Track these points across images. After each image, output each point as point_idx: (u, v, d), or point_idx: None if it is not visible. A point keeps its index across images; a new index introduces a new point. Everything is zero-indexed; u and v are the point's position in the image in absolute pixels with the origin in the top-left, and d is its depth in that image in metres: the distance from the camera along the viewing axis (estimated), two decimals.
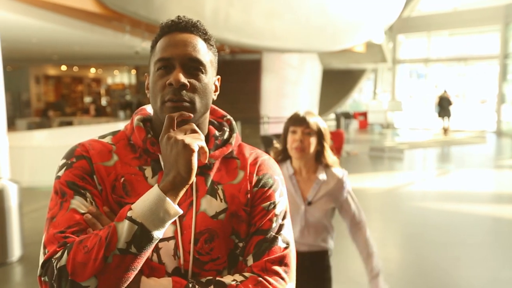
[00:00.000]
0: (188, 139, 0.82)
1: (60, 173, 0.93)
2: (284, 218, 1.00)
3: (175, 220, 0.88)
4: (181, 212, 0.82)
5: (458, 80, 19.65)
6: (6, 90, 15.31)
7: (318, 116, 2.02)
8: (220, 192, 0.96)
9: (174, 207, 0.81)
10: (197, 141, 0.83)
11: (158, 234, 0.81)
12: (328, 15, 10.19)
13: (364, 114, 18.45)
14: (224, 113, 1.09)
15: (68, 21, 7.36)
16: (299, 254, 1.60)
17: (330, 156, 2.03)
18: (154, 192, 0.81)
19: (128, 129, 1.00)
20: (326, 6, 10.09)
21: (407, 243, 4.77)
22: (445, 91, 15.66)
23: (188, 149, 0.81)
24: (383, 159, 10.42)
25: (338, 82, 19.74)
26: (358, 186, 7.50)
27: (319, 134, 1.98)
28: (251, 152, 1.06)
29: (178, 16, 0.98)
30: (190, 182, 0.83)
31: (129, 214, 0.80)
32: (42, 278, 0.82)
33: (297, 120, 1.96)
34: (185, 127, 0.85)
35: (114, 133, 1.02)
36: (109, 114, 16.04)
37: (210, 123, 1.04)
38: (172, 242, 0.91)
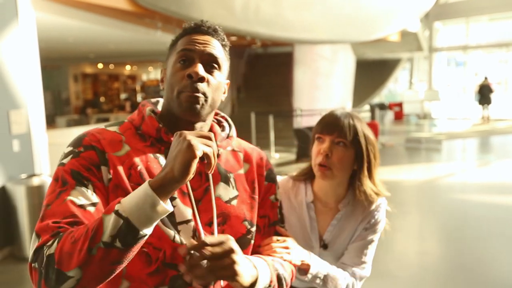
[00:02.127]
0: (196, 141, 0.80)
1: (65, 161, 0.93)
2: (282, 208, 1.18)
3: (192, 205, 0.96)
4: (170, 210, 0.80)
5: (499, 67, 18.87)
6: (47, 89, 15.80)
7: (360, 118, 1.38)
8: (232, 180, 1.05)
9: (162, 205, 0.78)
10: (205, 148, 0.81)
11: (146, 231, 0.79)
12: (360, 4, 9.97)
13: (400, 105, 18.03)
14: (218, 110, 1.13)
15: (102, 20, 7.51)
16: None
17: (369, 184, 1.38)
18: (143, 187, 0.79)
19: (136, 119, 1.03)
20: None
21: (447, 237, 4.63)
22: (485, 79, 15.11)
23: (190, 151, 0.78)
24: (420, 150, 10.16)
25: (372, 72, 19.36)
26: (394, 179, 7.34)
27: (358, 146, 1.33)
28: (250, 147, 1.16)
29: (202, 20, 1.05)
30: (182, 184, 0.80)
31: (116, 207, 0.78)
32: (33, 265, 0.83)
33: (326, 124, 1.34)
34: (203, 133, 0.84)
35: (119, 123, 1.04)
36: None
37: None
38: (191, 224, 0.95)
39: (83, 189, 0.89)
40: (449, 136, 12.21)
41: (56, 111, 15.27)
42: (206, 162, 0.83)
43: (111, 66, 17.91)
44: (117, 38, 9.43)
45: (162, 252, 0.91)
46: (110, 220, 0.77)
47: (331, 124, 1.33)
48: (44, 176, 4.17)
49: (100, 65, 17.16)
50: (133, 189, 0.90)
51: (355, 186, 1.38)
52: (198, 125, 1.01)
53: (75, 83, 16.56)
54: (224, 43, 1.06)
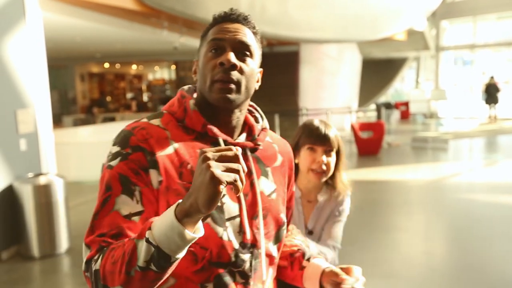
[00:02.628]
0: (219, 172, 0.73)
1: (113, 163, 0.92)
2: None
3: (239, 199, 0.97)
4: (199, 235, 0.79)
5: (507, 66, 18.73)
6: (54, 88, 15.89)
7: (333, 127, 1.68)
8: (269, 173, 1.07)
9: (189, 234, 0.76)
10: (229, 177, 0.73)
11: (179, 255, 0.79)
12: (366, 3, 9.94)
13: (406, 104, 17.95)
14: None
15: (108, 20, 7.55)
16: None
17: (342, 180, 1.73)
18: (169, 216, 0.77)
19: (178, 112, 1.01)
20: None
21: (453, 236, 4.61)
22: (492, 78, 15.01)
23: (215, 183, 0.72)
24: (426, 150, 10.11)
25: (378, 71, 19.28)
26: (400, 178, 7.31)
27: (338, 152, 1.68)
28: (280, 139, 1.18)
29: (231, 8, 1.04)
30: (206, 215, 0.76)
31: (147, 235, 0.78)
32: (86, 274, 0.87)
33: (318, 137, 1.62)
34: (228, 153, 0.75)
35: (160, 115, 1.02)
36: (151, 109, 16.38)
37: None
38: (237, 220, 0.97)
39: (129, 197, 0.89)
40: (456, 135, 12.14)
41: (63, 111, 15.35)
42: (233, 187, 0.75)
43: (118, 66, 17.98)
44: (124, 37, 9.47)
45: (209, 252, 0.93)
46: (143, 247, 0.78)
47: (322, 137, 1.61)
48: (51, 175, 4.20)
49: (106, 65, 17.24)
50: (185, 188, 0.91)
51: (332, 181, 1.71)
52: (235, 114, 1.01)
53: (81, 82, 16.64)
54: (254, 30, 1.04)
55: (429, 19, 15.18)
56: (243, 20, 1.02)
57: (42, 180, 4.06)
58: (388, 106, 15.24)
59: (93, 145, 7.91)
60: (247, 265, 0.97)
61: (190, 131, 0.99)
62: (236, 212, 0.97)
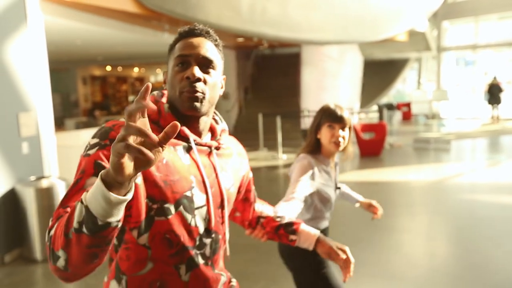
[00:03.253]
0: (120, 145, 0.73)
1: (90, 152, 1.01)
2: None
3: (206, 191, 1.13)
4: (124, 199, 0.79)
5: (509, 66, 18.69)
6: (56, 92, 15.89)
7: (345, 109, 2.12)
8: (229, 170, 1.24)
9: (113, 195, 0.77)
10: (131, 150, 0.73)
11: (107, 219, 0.79)
12: (367, 4, 9.94)
13: (408, 105, 17.93)
14: None
15: (109, 23, 7.57)
16: (325, 230, 2.20)
17: (350, 148, 2.18)
18: (97, 180, 0.78)
19: (153, 114, 1.12)
20: None
21: (456, 237, 4.59)
22: (495, 78, 14.98)
23: (117, 155, 0.74)
24: (428, 150, 10.09)
25: (380, 72, 19.27)
26: (403, 179, 7.30)
27: (349, 128, 2.10)
28: (234, 141, 1.36)
29: (195, 24, 1.16)
30: (121, 180, 0.76)
31: (82, 197, 0.81)
32: (47, 243, 0.90)
33: (336, 117, 2.05)
34: (139, 128, 0.74)
35: None
36: None
37: None
38: (204, 208, 1.13)
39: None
40: (458, 136, 12.12)
41: (65, 114, 15.38)
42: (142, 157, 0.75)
43: (119, 69, 18.00)
44: (125, 40, 9.49)
45: (182, 237, 1.08)
46: (77, 208, 0.81)
47: (339, 117, 2.04)
48: (53, 178, 4.20)
49: (108, 68, 17.27)
50: (162, 180, 1.04)
51: (344, 149, 2.14)
52: (203, 119, 1.15)
53: (83, 85, 16.68)
54: (216, 43, 1.16)
55: (431, 20, 15.16)
56: (206, 34, 1.14)
57: (44, 183, 4.06)
58: (390, 107, 15.20)
59: None
60: (207, 248, 1.14)
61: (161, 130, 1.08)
62: (203, 202, 1.12)
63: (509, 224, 4.83)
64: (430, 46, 15.83)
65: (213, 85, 1.12)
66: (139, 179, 1.01)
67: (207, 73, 1.11)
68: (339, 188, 2.33)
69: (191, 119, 1.13)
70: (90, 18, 7.07)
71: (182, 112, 1.10)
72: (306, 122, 11.57)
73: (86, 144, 1.04)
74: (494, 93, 14.94)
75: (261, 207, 1.50)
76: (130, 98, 19.07)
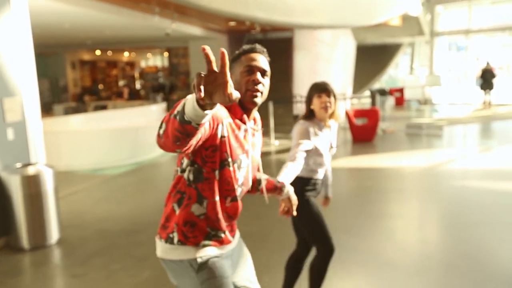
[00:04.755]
0: (231, 89, 1.17)
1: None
2: None
3: (248, 158, 1.69)
4: (203, 113, 1.20)
5: (502, 51, 18.67)
6: (44, 76, 15.63)
7: (329, 83, 2.69)
8: (257, 144, 1.81)
9: (197, 107, 1.19)
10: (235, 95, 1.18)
11: (191, 119, 1.21)
12: None
13: (401, 90, 17.88)
14: None
15: (97, 5, 7.37)
16: (317, 180, 2.71)
17: (337, 112, 2.70)
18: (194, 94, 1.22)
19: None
20: None
21: (448, 224, 4.57)
22: (488, 63, 14.95)
23: (229, 95, 1.16)
24: (420, 136, 10.08)
25: (373, 57, 19.16)
26: (395, 165, 7.27)
27: (334, 96, 2.66)
28: (259, 121, 1.84)
29: (255, 44, 1.72)
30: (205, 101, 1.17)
31: (188, 96, 1.23)
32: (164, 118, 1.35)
33: (322, 88, 2.63)
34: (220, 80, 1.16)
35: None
36: (143, 97, 16.22)
37: None
38: (245, 169, 1.69)
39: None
40: (450, 121, 12.12)
41: (54, 99, 15.14)
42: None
43: (109, 53, 17.72)
44: (114, 23, 9.28)
45: (232, 181, 1.65)
46: (182, 102, 1.26)
47: (325, 88, 2.63)
48: (40, 165, 4.09)
49: (98, 52, 16.98)
50: (231, 146, 1.60)
51: (332, 113, 2.68)
52: (254, 110, 1.71)
53: (72, 70, 16.40)
54: (268, 58, 1.73)
55: (424, 4, 15.04)
56: (262, 52, 1.71)
57: (30, 170, 3.96)
58: (382, 92, 15.15)
59: (84, 134, 7.79)
60: (239, 192, 1.72)
61: (231, 116, 1.64)
62: (246, 165, 1.69)
63: (501, 211, 4.82)
64: (423, 31, 15.73)
65: (267, 86, 1.68)
66: (222, 133, 1.55)
67: (264, 78, 1.67)
68: (333, 147, 2.79)
69: (249, 110, 1.67)
70: (78, 0, 6.88)
71: (245, 104, 1.65)
72: (299, 108, 11.48)
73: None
74: (486, 79, 14.92)
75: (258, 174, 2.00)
76: (120, 83, 18.82)
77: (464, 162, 7.36)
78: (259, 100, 1.63)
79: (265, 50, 1.72)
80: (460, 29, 17.49)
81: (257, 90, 1.61)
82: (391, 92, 17.29)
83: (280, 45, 13.46)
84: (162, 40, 13.19)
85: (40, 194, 3.98)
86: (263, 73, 1.66)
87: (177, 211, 1.67)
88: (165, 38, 12.19)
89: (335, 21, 9.68)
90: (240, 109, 1.65)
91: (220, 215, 1.66)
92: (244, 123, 1.66)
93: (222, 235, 1.70)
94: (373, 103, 11.18)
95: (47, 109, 12.31)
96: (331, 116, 2.69)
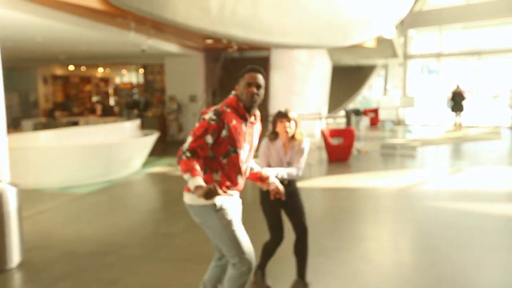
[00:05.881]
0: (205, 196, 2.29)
1: (212, 122, 2.45)
2: None
3: (250, 145, 2.64)
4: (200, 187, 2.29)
5: (471, 75, 19.25)
6: (14, 91, 15.16)
7: (292, 110, 3.31)
8: (256, 133, 2.68)
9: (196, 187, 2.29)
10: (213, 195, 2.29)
11: (190, 185, 2.32)
12: (337, 10, 9.94)
13: (375, 111, 18.15)
14: None
15: (71, 19, 7.21)
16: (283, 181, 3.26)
17: (299, 134, 3.29)
18: (197, 182, 2.32)
19: (235, 106, 2.56)
20: (336, 1, 9.85)
21: (423, 246, 4.55)
22: (458, 86, 15.34)
23: (210, 198, 2.29)
24: (394, 156, 10.18)
25: (348, 78, 19.44)
26: (370, 185, 7.28)
27: (296, 122, 3.28)
28: (258, 114, 2.70)
29: (255, 66, 2.60)
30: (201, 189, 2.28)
31: (195, 174, 2.33)
32: (185, 152, 2.40)
33: (283, 115, 3.27)
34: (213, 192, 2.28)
35: (228, 107, 2.52)
36: (117, 114, 15.94)
37: None
38: (247, 153, 2.63)
39: (211, 136, 2.44)
40: (423, 142, 12.31)
41: (24, 114, 14.72)
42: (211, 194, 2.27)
43: (83, 68, 17.42)
44: (88, 38, 9.10)
45: (239, 163, 2.58)
46: (188, 178, 2.33)
47: (285, 114, 3.25)
48: (3, 183, 3.88)
49: (71, 67, 16.67)
50: (237, 137, 2.51)
51: (294, 135, 3.29)
52: (253, 110, 2.58)
53: (44, 85, 16.03)
54: (263, 75, 2.60)
55: (398, 28, 15.41)
56: (259, 71, 2.58)
57: None
58: (357, 112, 15.34)
59: (54, 150, 7.53)
60: (243, 168, 2.62)
61: (239, 115, 2.54)
62: (247, 149, 2.61)
63: (475, 232, 4.84)
64: (396, 53, 16.08)
65: (262, 95, 2.56)
66: (225, 133, 2.48)
67: (259, 90, 2.56)
68: (289, 163, 3.32)
69: (249, 110, 2.56)
70: (50, 13, 6.71)
71: (246, 106, 2.54)
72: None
73: (206, 115, 2.47)
74: (457, 101, 15.30)
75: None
76: (94, 99, 18.48)
77: (437, 183, 7.43)
78: (255, 104, 2.55)
79: (261, 69, 2.59)
80: (432, 52, 17.97)
81: (253, 98, 2.52)
82: (365, 113, 17.53)
83: (257, 64, 13.44)
84: (137, 56, 13.04)
85: (1, 214, 3.76)
86: (258, 86, 2.54)
87: (202, 175, 2.44)
88: (141, 55, 12.06)
89: (313, 41, 9.77)
90: (243, 109, 2.55)
91: (228, 182, 2.58)
92: (246, 118, 2.56)
93: (230, 191, 2.61)
94: (348, 123, 11.27)
95: (15, 125, 11.91)
96: (292, 137, 3.29)
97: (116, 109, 17.05)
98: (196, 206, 2.53)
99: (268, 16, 8.33)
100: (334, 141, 9.80)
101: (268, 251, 3.44)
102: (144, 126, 11.59)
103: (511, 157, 10.16)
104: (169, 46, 11.31)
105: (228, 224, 2.52)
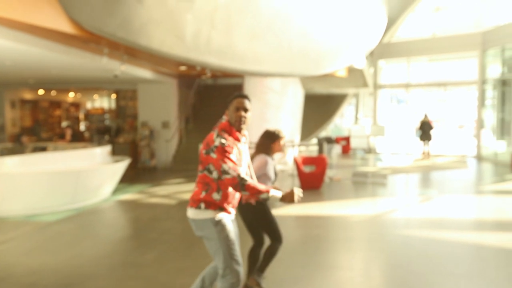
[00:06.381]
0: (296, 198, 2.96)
1: (227, 149, 2.86)
2: None
3: (246, 159, 3.09)
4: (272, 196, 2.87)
5: (438, 105, 19.89)
6: None
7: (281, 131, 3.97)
8: (246, 152, 3.10)
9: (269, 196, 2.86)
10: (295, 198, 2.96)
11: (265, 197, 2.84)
12: (310, 40, 10.17)
13: (347, 139, 18.43)
14: None
15: (42, 43, 7.11)
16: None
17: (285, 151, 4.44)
18: (275, 193, 2.88)
19: (228, 129, 2.95)
20: (309, 31, 10.08)
21: (395, 275, 4.56)
22: (426, 116, 15.78)
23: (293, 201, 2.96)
24: (366, 184, 10.29)
25: (320, 106, 19.77)
26: (342, 213, 7.30)
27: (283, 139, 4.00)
28: (247, 134, 3.15)
29: (243, 93, 3.02)
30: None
31: (268, 191, 2.83)
32: (239, 180, 2.81)
33: (280, 135, 3.86)
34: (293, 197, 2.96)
35: (224, 131, 2.91)
36: (87, 140, 15.64)
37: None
38: (245, 168, 3.05)
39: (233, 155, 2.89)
40: (394, 170, 12.52)
41: None
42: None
43: (53, 93, 17.13)
44: (60, 63, 8.98)
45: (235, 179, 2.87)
46: (264, 195, 2.83)
47: (281, 134, 3.94)
48: None
49: (41, 91, 16.37)
50: (237, 156, 2.92)
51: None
52: (243, 132, 2.99)
53: (12, 109, 15.64)
54: (249, 100, 3.01)
55: (368, 58, 15.86)
56: (247, 98, 3.00)
57: None
58: (329, 140, 15.54)
59: (19, 177, 7.27)
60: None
61: (233, 137, 2.94)
62: (246, 166, 3.07)
63: (445, 261, 4.89)
64: (367, 83, 16.49)
65: (249, 117, 2.96)
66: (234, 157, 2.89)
67: (246, 113, 2.96)
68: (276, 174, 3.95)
69: (239, 131, 2.95)
70: (21, 37, 6.60)
71: (236, 128, 2.94)
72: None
73: (215, 143, 2.84)
74: (425, 130, 15.71)
75: None
76: (63, 124, 18.12)
77: (407, 211, 7.52)
78: (244, 126, 2.96)
79: (247, 95, 3.01)
80: (401, 83, 18.52)
81: (242, 121, 2.93)
82: (337, 141, 17.77)
83: (230, 91, 13.57)
84: (110, 81, 12.93)
85: None
86: (246, 110, 2.95)
87: (203, 194, 2.92)
88: (114, 80, 11.97)
89: (286, 69, 9.92)
90: (235, 131, 2.94)
91: (227, 200, 2.94)
92: (238, 139, 2.95)
93: (228, 208, 2.96)
94: (321, 150, 11.38)
95: None
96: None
97: (86, 134, 16.74)
98: (199, 220, 2.91)
99: (242, 44, 8.44)
100: (306, 169, 9.85)
101: (256, 256, 3.88)
102: (115, 152, 11.40)
103: (477, 186, 10.43)
104: (143, 72, 11.27)
105: (225, 238, 2.87)
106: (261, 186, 2.77)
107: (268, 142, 3.82)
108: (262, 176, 3.73)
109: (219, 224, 2.87)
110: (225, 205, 2.92)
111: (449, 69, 18.90)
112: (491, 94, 15.93)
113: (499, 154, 14.73)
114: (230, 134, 2.90)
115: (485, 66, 15.95)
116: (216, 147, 2.80)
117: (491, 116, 15.87)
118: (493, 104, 15.72)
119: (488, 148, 15.85)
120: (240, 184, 2.74)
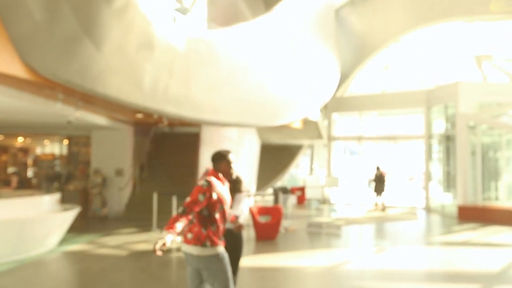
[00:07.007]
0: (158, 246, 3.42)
1: (204, 193, 3.65)
2: None
3: (228, 197, 3.90)
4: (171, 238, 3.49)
5: (388, 158, 20.64)
6: None
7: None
8: (227, 192, 3.91)
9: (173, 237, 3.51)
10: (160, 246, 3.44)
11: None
12: (267, 92, 10.46)
13: (302, 189, 18.62)
14: None
15: None
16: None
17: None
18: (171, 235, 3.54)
19: (216, 176, 3.85)
20: (265, 83, 10.39)
21: None
22: (378, 168, 16.28)
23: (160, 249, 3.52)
24: (321, 235, 10.34)
25: (276, 157, 20.01)
26: (297, 265, 7.26)
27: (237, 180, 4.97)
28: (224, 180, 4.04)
29: (230, 151, 4.02)
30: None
31: (173, 230, 3.46)
32: (184, 209, 3.54)
33: (239, 182, 4.86)
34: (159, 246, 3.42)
35: (211, 177, 3.82)
36: (35, 187, 14.98)
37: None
38: (227, 207, 3.84)
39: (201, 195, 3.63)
40: (348, 221, 12.69)
41: None
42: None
43: (0, 137, 16.47)
44: (10, 107, 8.71)
45: (224, 215, 3.76)
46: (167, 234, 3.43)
47: (240, 181, 5.17)
48: None
49: None
50: (222, 198, 3.73)
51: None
52: (228, 178, 3.92)
53: None
54: (234, 155, 4.03)
55: (322, 111, 16.41)
56: (231, 153, 3.93)
57: None
58: (285, 190, 15.65)
59: None
60: (225, 221, 3.81)
61: (220, 182, 3.82)
62: (228, 203, 3.83)
63: None
64: (321, 135, 16.96)
65: (235, 168, 3.90)
66: (215, 196, 3.68)
67: (233, 165, 3.92)
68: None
69: (227, 179, 3.88)
70: None
71: (225, 178, 3.87)
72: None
73: (199, 183, 3.71)
74: (377, 182, 16.17)
75: None
76: (10, 169, 17.31)
77: (361, 262, 7.58)
78: (233, 176, 3.84)
79: (232, 152, 3.92)
80: (353, 135, 19.19)
81: (231, 173, 3.83)
82: (292, 191, 17.91)
83: (187, 139, 13.59)
84: (63, 127, 12.61)
85: None
86: (232, 163, 3.82)
87: (204, 231, 3.58)
88: (67, 126, 11.69)
89: (242, 120, 10.09)
90: (223, 179, 3.80)
91: (219, 230, 3.63)
92: (223, 182, 3.77)
93: (221, 239, 3.65)
94: (276, 201, 11.42)
95: None
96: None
97: (34, 181, 16.04)
98: (204, 257, 3.53)
99: (199, 94, 8.55)
100: (262, 219, 9.81)
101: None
102: (64, 200, 10.93)
103: (427, 237, 10.72)
104: (98, 119, 11.11)
105: (228, 269, 3.57)
106: (172, 223, 3.41)
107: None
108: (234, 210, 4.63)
109: (223, 258, 3.58)
110: (220, 232, 3.71)
111: (398, 123, 19.84)
112: (437, 148, 16.74)
113: (446, 206, 15.29)
114: (217, 178, 3.79)
115: (430, 122, 16.85)
116: (197, 185, 3.66)
117: (437, 169, 16.60)
118: (439, 158, 16.49)
119: (435, 200, 16.45)
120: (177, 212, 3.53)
